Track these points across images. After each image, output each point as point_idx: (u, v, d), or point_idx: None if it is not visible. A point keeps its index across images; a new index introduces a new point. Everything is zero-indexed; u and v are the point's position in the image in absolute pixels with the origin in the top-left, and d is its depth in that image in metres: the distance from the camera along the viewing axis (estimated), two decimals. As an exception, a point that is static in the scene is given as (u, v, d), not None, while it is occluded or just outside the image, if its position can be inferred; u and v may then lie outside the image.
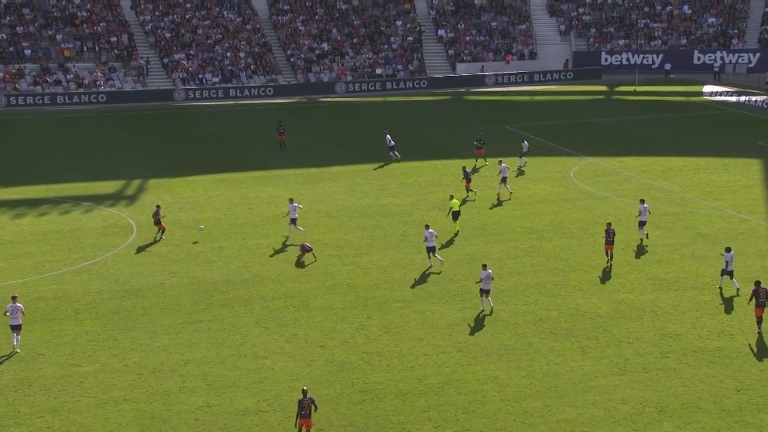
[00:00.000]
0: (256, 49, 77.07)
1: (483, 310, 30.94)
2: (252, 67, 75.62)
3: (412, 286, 33.36)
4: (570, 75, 79.06)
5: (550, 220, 40.56)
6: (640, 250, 36.26)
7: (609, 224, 35.09)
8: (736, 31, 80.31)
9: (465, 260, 35.95)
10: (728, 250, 32.23)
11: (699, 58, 79.42)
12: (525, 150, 49.67)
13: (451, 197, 39.40)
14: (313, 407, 23.37)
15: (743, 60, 78.25)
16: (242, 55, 76.31)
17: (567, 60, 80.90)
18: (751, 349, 27.73)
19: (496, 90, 75.74)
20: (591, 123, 62.35)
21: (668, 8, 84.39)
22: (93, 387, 26.30)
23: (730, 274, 31.92)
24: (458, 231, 38.82)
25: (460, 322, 30.31)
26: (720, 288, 32.21)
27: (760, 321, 28.84)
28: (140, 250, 37.17)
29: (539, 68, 79.59)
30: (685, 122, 61.52)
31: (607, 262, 34.77)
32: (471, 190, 43.84)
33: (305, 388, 23.63)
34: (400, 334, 29.46)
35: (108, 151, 54.79)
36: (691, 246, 36.74)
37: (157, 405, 25.35)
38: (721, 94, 69.89)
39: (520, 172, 47.94)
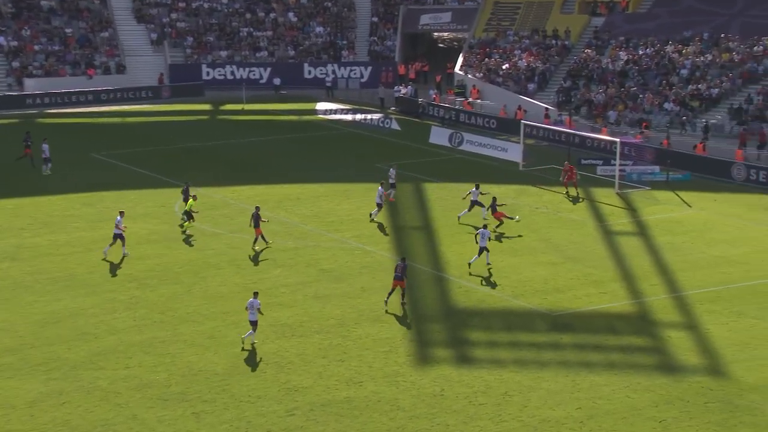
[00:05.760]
0: None
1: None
2: None
3: (-17, 359, 31.40)
4: (167, 92, 79.47)
5: (153, 264, 40.29)
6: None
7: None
8: (345, 43, 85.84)
9: (50, 320, 34.57)
10: (485, 227, 40.82)
11: (310, 72, 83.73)
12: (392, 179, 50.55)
13: (194, 197, 44.96)
14: None
15: (355, 74, 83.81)
16: None
17: (162, 74, 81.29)
18: (380, 396, 29.58)
19: (78, 111, 73.95)
20: (195, 148, 63.03)
21: (272, 15, 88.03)
22: None
23: (481, 251, 39.36)
24: (185, 230, 44.05)
25: (45, 397, 29.01)
26: (470, 264, 39.52)
27: (392, 292, 35.57)
28: None
29: (129, 84, 79.07)
30: (301, 144, 64.40)
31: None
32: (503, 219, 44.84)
33: None
34: (-31, 422, 27.54)
35: None
36: (314, 285, 38.43)
37: None
38: (335, 112, 74.05)
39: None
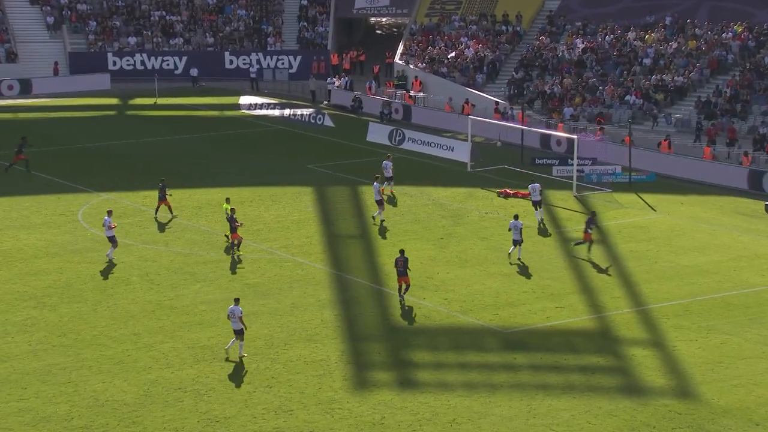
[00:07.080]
0: None
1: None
2: None
3: None
4: (69, 83, 78.71)
5: (53, 280, 39.92)
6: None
7: None
8: (271, 29, 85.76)
9: (-65, 346, 34.10)
10: (516, 217, 42.74)
11: (232, 62, 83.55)
12: None
13: (227, 200, 45.38)
14: None
15: (283, 64, 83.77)
16: None
17: (57, 63, 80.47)
18: (310, 423, 29.61)
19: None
20: (101, 147, 62.55)
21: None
22: None
23: (517, 243, 42.16)
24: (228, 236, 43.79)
25: (-67, 434, 28.58)
26: (509, 254, 42.49)
27: (400, 289, 37.90)
28: None
29: (24, 74, 78.23)
30: (222, 143, 64.19)
31: None
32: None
33: None
34: None
35: None
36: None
37: None
38: (261, 106, 73.98)
39: None
